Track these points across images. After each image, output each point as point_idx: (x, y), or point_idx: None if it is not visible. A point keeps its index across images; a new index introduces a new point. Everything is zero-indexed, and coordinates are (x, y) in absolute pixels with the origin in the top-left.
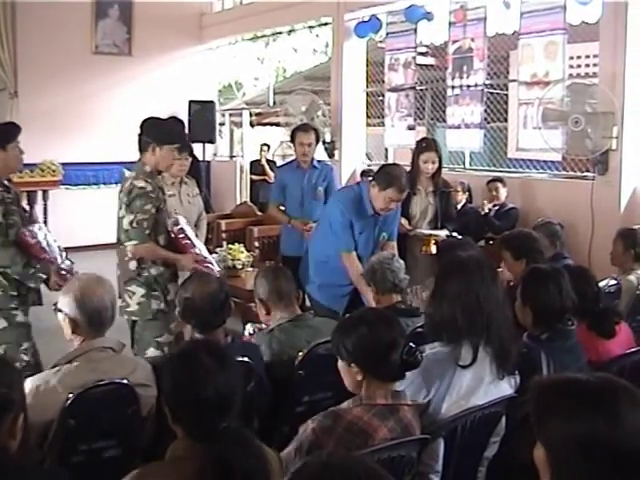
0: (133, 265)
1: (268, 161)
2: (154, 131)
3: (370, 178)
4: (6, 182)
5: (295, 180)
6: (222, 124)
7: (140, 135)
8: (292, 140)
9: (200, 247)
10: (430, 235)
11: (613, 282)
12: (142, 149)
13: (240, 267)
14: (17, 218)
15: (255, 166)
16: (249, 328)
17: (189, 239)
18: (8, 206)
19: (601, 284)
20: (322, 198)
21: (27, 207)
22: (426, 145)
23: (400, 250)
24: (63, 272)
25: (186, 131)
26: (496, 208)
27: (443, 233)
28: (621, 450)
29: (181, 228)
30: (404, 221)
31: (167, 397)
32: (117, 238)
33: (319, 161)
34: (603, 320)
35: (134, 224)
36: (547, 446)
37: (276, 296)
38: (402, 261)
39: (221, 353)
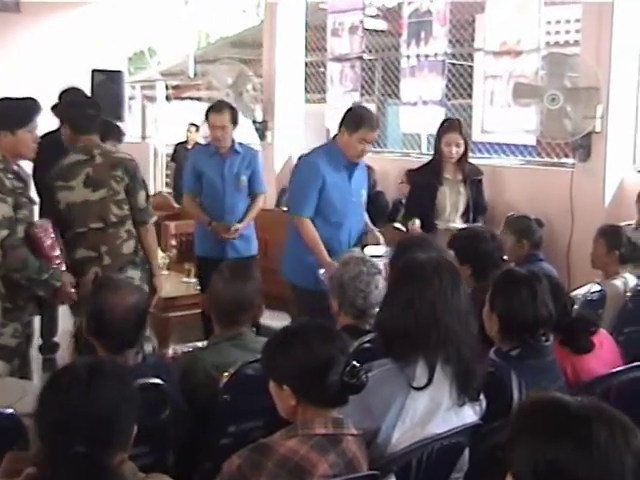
0: (129, 248)
1: (197, 144)
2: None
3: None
4: (16, 167)
5: (214, 168)
6: (132, 98)
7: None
8: (207, 121)
9: None
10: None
11: (596, 288)
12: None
13: None
14: (27, 212)
15: (181, 150)
16: (172, 349)
17: None
18: (18, 197)
19: (582, 290)
20: (246, 189)
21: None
22: (448, 125)
23: None
24: (73, 282)
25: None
26: None
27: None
28: None
29: None
30: (418, 223)
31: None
32: (104, 222)
33: (241, 144)
34: (575, 332)
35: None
36: (512, 470)
37: (214, 308)
38: (380, 279)
39: (100, 371)
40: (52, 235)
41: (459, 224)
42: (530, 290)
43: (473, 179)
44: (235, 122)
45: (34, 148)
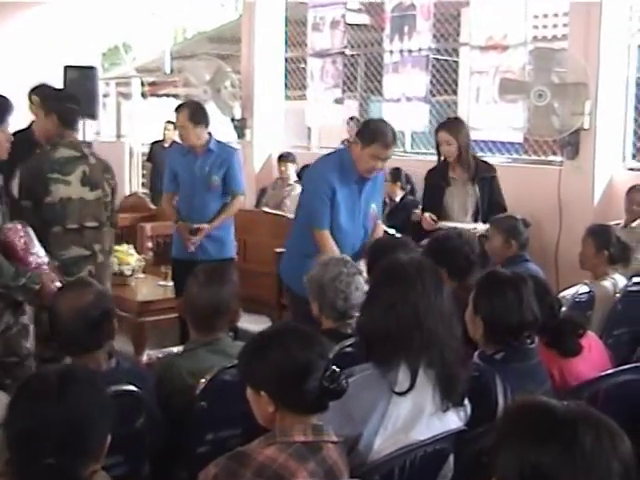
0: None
1: (174, 143)
2: None
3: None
4: None
5: (186, 167)
6: (106, 95)
7: None
8: None
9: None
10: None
11: (585, 289)
12: None
13: (129, 273)
14: (0, 218)
15: (157, 149)
16: (147, 355)
17: None
18: None
19: (570, 292)
20: (219, 189)
21: None
22: (440, 124)
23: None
24: (56, 279)
25: None
26: None
27: (481, 227)
28: None
29: None
30: (427, 215)
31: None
32: (98, 221)
33: (219, 142)
34: (562, 334)
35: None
36: (497, 476)
37: (188, 313)
38: (361, 279)
39: (71, 378)
40: (23, 236)
41: (467, 225)
42: (516, 293)
43: (483, 177)
44: (195, 121)
45: (7, 148)
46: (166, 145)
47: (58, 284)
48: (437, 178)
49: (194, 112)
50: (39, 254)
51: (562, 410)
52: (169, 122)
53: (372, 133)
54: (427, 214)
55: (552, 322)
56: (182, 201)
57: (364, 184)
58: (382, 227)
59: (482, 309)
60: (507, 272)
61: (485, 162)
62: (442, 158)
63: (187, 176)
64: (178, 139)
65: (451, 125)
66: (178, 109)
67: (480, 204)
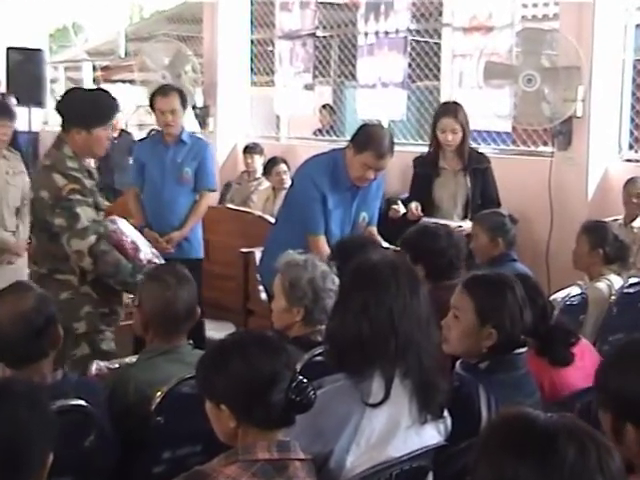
0: None
1: (123, 132)
2: None
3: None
4: (86, 164)
5: (156, 158)
6: (54, 81)
7: None
8: (152, 107)
9: None
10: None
11: (577, 292)
12: None
13: None
14: (103, 213)
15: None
16: (96, 366)
17: None
18: (96, 197)
19: (562, 294)
20: (190, 183)
21: None
22: (442, 110)
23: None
24: None
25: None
26: None
27: (468, 225)
28: None
29: None
30: (414, 205)
31: None
32: None
33: (192, 135)
34: (553, 343)
35: None
36: None
37: (162, 318)
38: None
39: (7, 392)
40: (129, 235)
41: (457, 220)
42: (514, 296)
43: (476, 168)
44: (185, 105)
45: (107, 146)
46: (115, 135)
47: None
48: (426, 167)
49: (183, 96)
50: (147, 249)
51: (544, 422)
52: None
53: (365, 139)
54: (414, 204)
55: (543, 327)
56: (148, 195)
57: (357, 191)
58: (376, 237)
59: (495, 316)
60: (501, 273)
61: (478, 152)
62: (432, 147)
63: (156, 168)
64: (133, 128)
65: (457, 111)
66: (165, 93)
67: (471, 197)
